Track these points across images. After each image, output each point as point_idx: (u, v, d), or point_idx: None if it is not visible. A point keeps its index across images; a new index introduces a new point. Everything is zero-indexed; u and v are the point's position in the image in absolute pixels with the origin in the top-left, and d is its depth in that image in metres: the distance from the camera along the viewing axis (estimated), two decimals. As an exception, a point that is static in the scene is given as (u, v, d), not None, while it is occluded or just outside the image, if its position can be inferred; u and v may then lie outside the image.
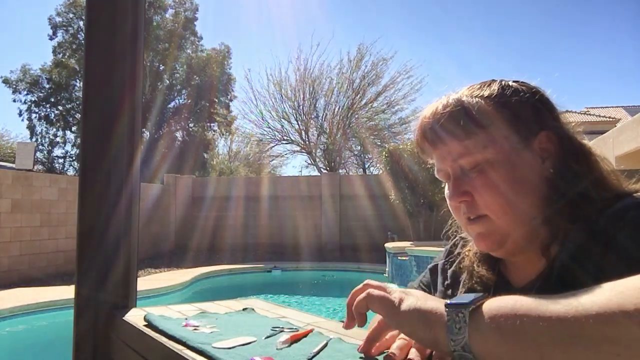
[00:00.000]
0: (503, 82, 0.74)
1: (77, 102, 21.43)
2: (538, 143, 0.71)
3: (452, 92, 0.75)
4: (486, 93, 0.73)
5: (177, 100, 23.14)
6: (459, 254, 0.84)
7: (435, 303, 0.53)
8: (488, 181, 0.69)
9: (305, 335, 0.79)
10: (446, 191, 0.75)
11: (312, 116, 19.79)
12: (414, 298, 0.55)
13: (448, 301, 0.51)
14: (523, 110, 0.71)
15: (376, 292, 0.59)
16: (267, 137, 20.32)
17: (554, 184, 0.69)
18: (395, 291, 0.58)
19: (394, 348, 0.60)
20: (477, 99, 0.72)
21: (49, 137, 22.52)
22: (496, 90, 0.73)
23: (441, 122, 0.72)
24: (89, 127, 1.21)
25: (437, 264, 0.89)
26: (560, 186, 0.68)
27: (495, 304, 0.48)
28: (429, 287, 0.89)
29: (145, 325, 0.94)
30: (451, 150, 0.71)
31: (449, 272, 0.85)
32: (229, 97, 23.82)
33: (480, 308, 0.49)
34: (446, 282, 0.84)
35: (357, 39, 37.76)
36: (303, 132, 19.85)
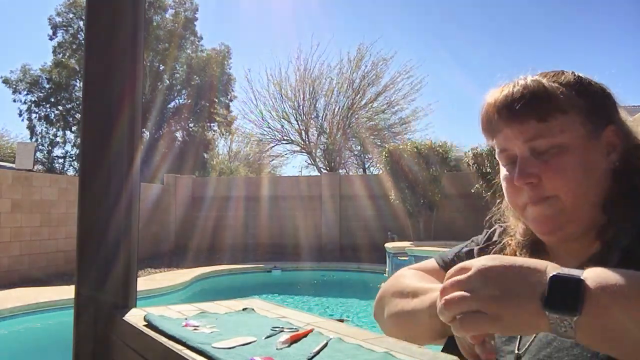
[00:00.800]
0: (576, 74, 0.76)
1: (77, 102, 21.43)
2: (606, 136, 0.73)
3: (522, 77, 0.76)
4: (564, 80, 0.74)
5: (177, 100, 23.16)
6: (496, 242, 0.86)
7: (529, 309, 0.50)
8: (561, 165, 0.70)
9: (305, 335, 0.79)
10: (503, 173, 0.77)
11: (312, 116, 19.79)
12: (509, 314, 0.51)
13: (546, 310, 0.49)
14: (596, 102, 0.74)
15: (466, 319, 0.52)
16: (267, 137, 20.33)
17: (617, 176, 0.72)
18: (482, 298, 0.52)
19: None
20: (556, 84, 0.73)
21: (49, 137, 22.54)
22: (572, 79, 0.74)
23: (523, 101, 0.72)
24: (89, 127, 1.21)
25: (473, 249, 0.89)
26: (622, 179, 0.71)
27: (601, 312, 0.47)
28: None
29: (145, 326, 0.94)
30: (527, 130, 0.72)
31: None
32: (229, 97, 23.83)
33: (584, 313, 0.48)
34: None
35: (357, 39, 37.75)
36: (303, 132, 19.85)
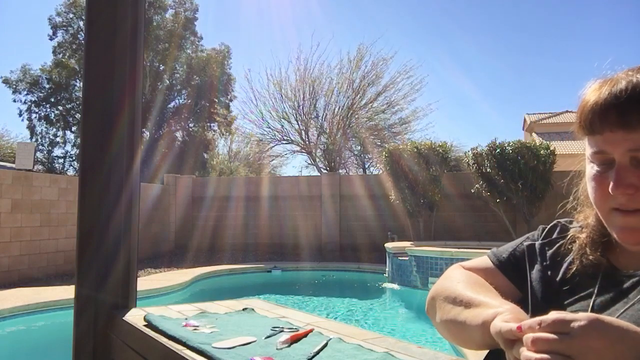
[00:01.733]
0: None
1: (77, 102, 21.42)
2: None
3: (630, 72, 0.70)
4: None
5: (177, 100, 23.14)
6: (559, 238, 0.84)
7: None
8: None
9: (305, 335, 0.79)
10: (592, 171, 0.73)
11: (312, 116, 19.77)
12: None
13: None
14: None
15: None
16: (267, 137, 20.31)
17: None
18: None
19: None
20: None
21: (49, 137, 22.53)
22: None
23: (633, 107, 0.67)
24: (89, 127, 1.21)
25: (534, 244, 0.87)
26: None
27: None
28: (521, 260, 0.87)
29: (145, 325, 0.94)
30: (633, 140, 0.67)
31: (549, 253, 0.84)
32: (229, 97, 23.82)
33: None
34: (545, 263, 0.83)
35: (357, 39, 37.75)
36: (303, 132, 19.84)
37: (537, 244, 0.86)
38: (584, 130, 0.73)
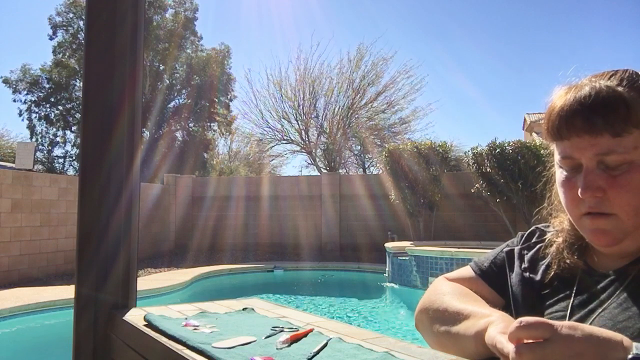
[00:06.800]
0: None
1: (77, 102, 21.42)
2: None
3: (593, 78, 0.72)
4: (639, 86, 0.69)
5: (177, 100, 23.13)
6: (538, 242, 0.86)
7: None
8: (630, 183, 0.68)
9: (305, 335, 0.79)
10: (561, 176, 0.74)
11: (312, 116, 19.78)
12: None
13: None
14: None
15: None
16: (267, 137, 20.34)
17: None
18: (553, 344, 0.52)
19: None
20: (633, 93, 0.68)
21: (49, 137, 22.51)
22: None
23: (598, 112, 0.68)
24: (89, 127, 1.21)
25: (513, 249, 0.88)
26: None
27: None
28: (501, 268, 0.87)
29: (145, 325, 0.94)
30: (599, 144, 0.68)
31: (527, 257, 0.85)
32: (229, 97, 23.81)
33: None
34: (523, 266, 0.84)
35: (357, 39, 37.74)
36: (303, 132, 19.85)
37: (516, 249, 0.88)
38: (552, 136, 0.74)
